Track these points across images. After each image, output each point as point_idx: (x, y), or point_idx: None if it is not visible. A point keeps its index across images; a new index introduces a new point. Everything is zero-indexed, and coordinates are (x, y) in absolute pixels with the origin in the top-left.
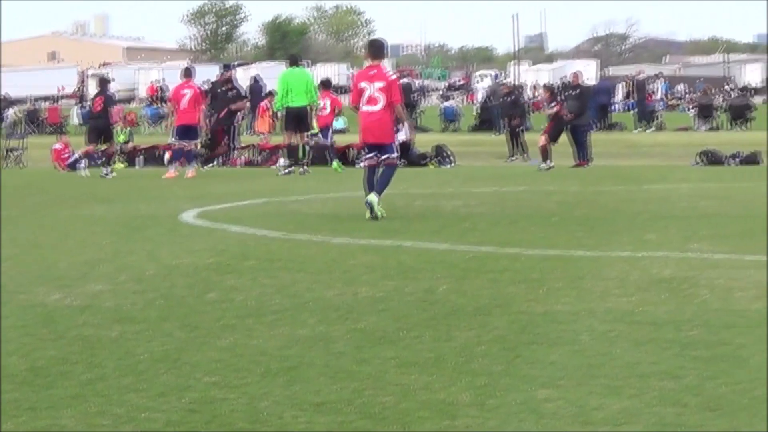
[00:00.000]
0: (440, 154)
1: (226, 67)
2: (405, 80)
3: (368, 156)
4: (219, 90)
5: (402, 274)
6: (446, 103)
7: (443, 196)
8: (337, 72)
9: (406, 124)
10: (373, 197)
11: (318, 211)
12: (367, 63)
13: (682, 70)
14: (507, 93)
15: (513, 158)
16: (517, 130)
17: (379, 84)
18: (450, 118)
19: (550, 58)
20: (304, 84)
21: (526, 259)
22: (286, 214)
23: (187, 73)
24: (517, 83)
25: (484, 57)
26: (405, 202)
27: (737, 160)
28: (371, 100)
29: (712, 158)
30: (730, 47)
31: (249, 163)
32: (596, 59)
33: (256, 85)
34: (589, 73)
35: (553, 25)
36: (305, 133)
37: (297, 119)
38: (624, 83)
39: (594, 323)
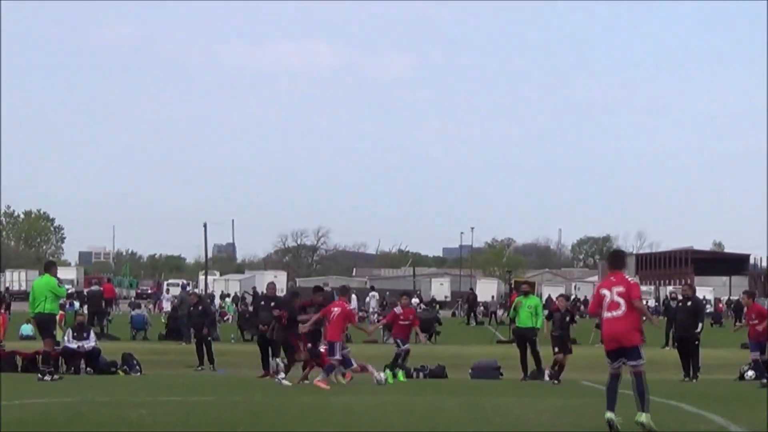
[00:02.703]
0: (128, 363)
1: None
2: (95, 287)
3: (613, 365)
4: None
5: None
6: (135, 311)
7: (129, 405)
8: (26, 278)
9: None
10: (642, 416)
11: None
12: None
13: (369, 282)
14: (195, 302)
15: (201, 367)
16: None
17: (618, 289)
18: (138, 326)
19: (240, 269)
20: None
21: None
22: None
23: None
24: (206, 292)
25: (173, 266)
26: (89, 409)
27: (423, 373)
28: (612, 306)
29: None
30: (418, 261)
31: None
32: (285, 270)
33: None
34: (279, 284)
35: (242, 234)
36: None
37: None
38: None
39: None
